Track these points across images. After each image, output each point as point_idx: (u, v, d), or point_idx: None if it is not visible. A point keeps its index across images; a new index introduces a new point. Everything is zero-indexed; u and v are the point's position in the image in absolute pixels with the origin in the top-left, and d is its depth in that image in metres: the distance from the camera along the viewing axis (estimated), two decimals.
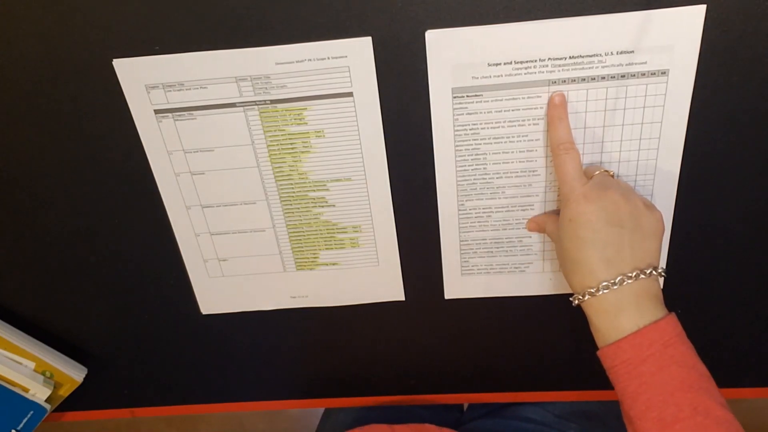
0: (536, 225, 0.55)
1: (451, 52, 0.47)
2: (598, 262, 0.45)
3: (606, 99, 0.48)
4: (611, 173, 0.50)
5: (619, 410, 0.75)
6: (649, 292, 0.45)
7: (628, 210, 0.45)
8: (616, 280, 0.45)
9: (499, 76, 0.48)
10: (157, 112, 0.50)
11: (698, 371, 0.44)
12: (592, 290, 0.45)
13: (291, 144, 0.52)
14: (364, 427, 0.56)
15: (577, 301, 0.47)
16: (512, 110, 0.49)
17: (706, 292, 0.58)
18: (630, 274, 0.45)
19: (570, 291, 0.56)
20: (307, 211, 0.55)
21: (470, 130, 0.50)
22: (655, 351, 0.43)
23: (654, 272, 0.45)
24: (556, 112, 0.48)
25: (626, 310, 0.45)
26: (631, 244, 0.45)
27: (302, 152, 0.52)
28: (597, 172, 0.48)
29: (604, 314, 0.45)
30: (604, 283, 0.45)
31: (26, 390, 0.61)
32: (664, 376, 0.43)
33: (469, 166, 0.52)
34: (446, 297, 0.60)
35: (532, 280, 0.58)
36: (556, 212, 0.53)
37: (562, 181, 0.48)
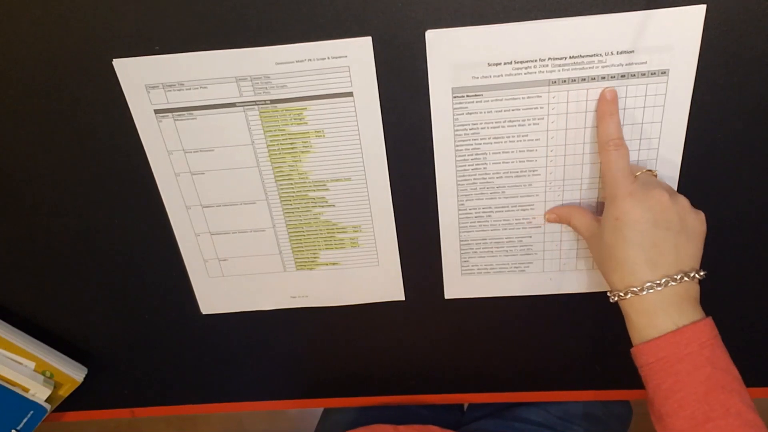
0: (557, 217, 0.54)
1: (451, 52, 0.47)
2: (642, 262, 0.45)
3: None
4: (654, 173, 0.49)
5: (619, 411, 0.76)
6: (690, 294, 0.46)
7: (674, 211, 0.45)
8: (661, 282, 0.45)
9: (499, 76, 0.48)
10: (157, 112, 0.50)
11: (732, 374, 0.45)
12: (635, 289, 0.45)
13: (291, 144, 0.52)
14: (368, 427, 0.56)
15: (616, 298, 0.47)
16: (512, 110, 0.49)
17: (706, 291, 0.58)
18: (675, 277, 0.45)
19: (566, 291, 0.56)
20: (307, 211, 0.55)
21: (470, 130, 0.50)
22: (693, 351, 0.44)
23: (696, 275, 0.46)
24: (608, 107, 0.47)
25: (667, 310, 0.45)
26: (676, 246, 0.45)
27: (302, 152, 0.52)
28: (639, 172, 0.48)
29: (644, 313, 0.46)
30: (648, 284, 0.45)
31: (26, 390, 0.61)
32: (700, 375, 0.43)
33: (469, 166, 0.52)
34: (446, 297, 0.60)
35: (532, 280, 0.58)
36: (582, 206, 0.53)
37: (610, 177, 0.47)
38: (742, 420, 0.42)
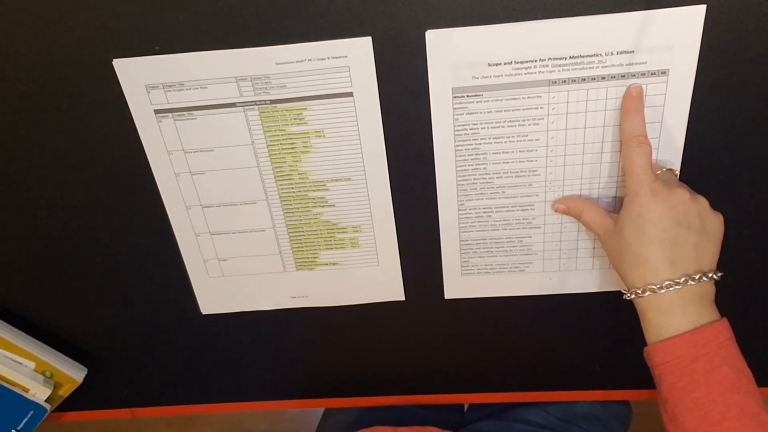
0: (566, 208, 0.53)
1: (451, 52, 0.47)
2: (663, 260, 0.45)
3: (606, 99, 0.48)
4: (675, 172, 0.49)
5: (619, 411, 0.76)
6: (708, 295, 0.46)
7: (695, 211, 0.46)
8: (680, 281, 0.45)
9: (499, 76, 0.48)
10: (157, 112, 0.50)
11: (746, 375, 0.45)
12: (654, 287, 0.45)
13: (291, 144, 0.52)
14: (368, 429, 0.56)
15: (633, 296, 0.47)
16: (512, 110, 0.49)
17: None
18: (695, 276, 0.45)
19: (566, 291, 0.56)
20: (307, 211, 0.55)
21: (470, 130, 0.50)
22: (710, 351, 0.44)
23: (714, 276, 0.46)
24: (633, 104, 0.47)
25: (686, 309, 0.45)
26: (696, 246, 0.45)
27: (302, 152, 0.52)
28: (659, 171, 0.48)
29: (662, 311, 0.46)
30: (667, 282, 0.45)
31: (26, 390, 0.61)
32: (716, 376, 0.44)
33: (469, 166, 0.52)
34: (446, 297, 0.60)
35: (532, 280, 0.58)
36: (593, 201, 0.53)
37: (632, 174, 0.47)
38: (757, 422, 0.42)
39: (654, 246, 0.45)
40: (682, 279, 0.45)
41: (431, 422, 0.63)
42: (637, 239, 0.46)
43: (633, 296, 0.47)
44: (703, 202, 0.47)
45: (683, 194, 0.45)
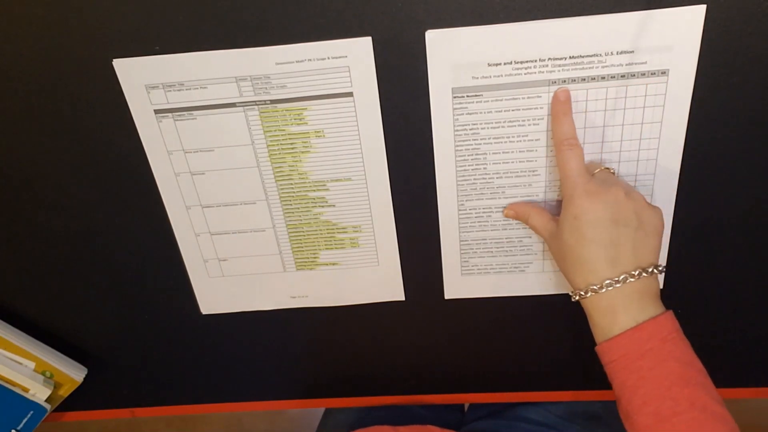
0: (515, 213, 0.54)
1: (451, 52, 0.47)
2: (602, 260, 0.45)
3: (606, 99, 0.48)
4: (612, 171, 0.50)
5: None
6: (650, 290, 0.46)
7: (631, 208, 0.46)
8: (620, 279, 0.45)
9: (499, 76, 0.48)
10: (157, 112, 0.50)
11: (695, 367, 0.45)
12: (595, 287, 0.46)
13: (291, 144, 0.52)
14: (367, 429, 0.56)
15: (577, 297, 0.47)
16: (512, 110, 0.49)
17: (706, 291, 0.58)
18: (633, 273, 0.45)
19: (566, 291, 0.56)
20: (307, 211, 0.55)
21: (470, 130, 0.50)
22: (654, 346, 0.44)
23: (655, 270, 0.46)
24: (561, 107, 0.48)
25: (627, 307, 0.45)
26: (634, 243, 0.46)
27: (302, 152, 0.52)
28: (597, 170, 0.49)
29: (605, 311, 0.46)
30: (608, 281, 0.45)
31: (26, 390, 0.61)
32: (663, 370, 0.44)
33: (469, 166, 0.52)
34: (446, 297, 0.60)
35: (532, 280, 0.58)
36: (540, 205, 0.53)
37: (566, 177, 0.48)
38: (708, 413, 0.42)
39: (593, 246, 0.46)
40: (622, 277, 0.45)
41: (431, 422, 0.63)
42: (577, 241, 0.46)
43: (577, 297, 0.47)
44: (638, 198, 0.47)
45: (617, 193, 0.46)
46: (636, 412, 0.44)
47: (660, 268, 0.46)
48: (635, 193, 0.47)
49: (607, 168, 0.49)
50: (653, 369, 0.44)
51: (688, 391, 0.43)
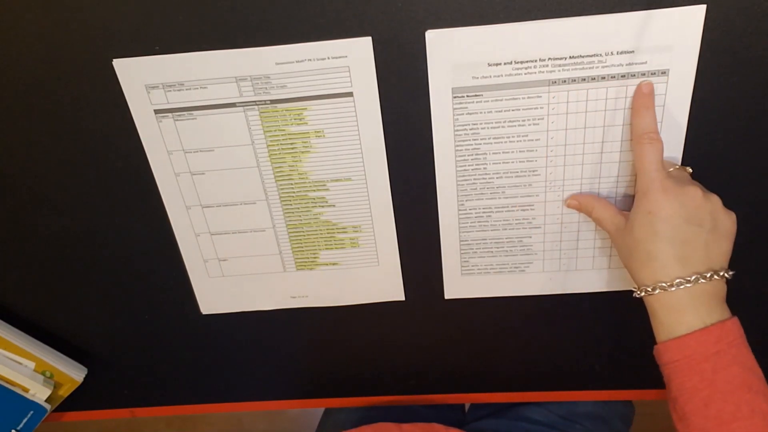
0: (578, 204, 0.53)
1: (451, 52, 0.47)
2: (673, 258, 0.45)
3: (606, 99, 0.48)
4: (688, 170, 0.49)
5: (622, 411, 0.76)
6: (718, 293, 0.46)
7: (708, 209, 0.45)
8: (691, 279, 0.45)
9: (499, 76, 0.48)
10: (157, 112, 0.50)
11: (757, 374, 0.45)
12: (664, 285, 0.45)
13: (291, 144, 0.52)
14: (371, 426, 0.56)
15: (643, 293, 0.47)
16: (512, 110, 0.49)
17: None
18: (705, 274, 0.45)
19: (566, 291, 0.56)
20: (307, 211, 0.55)
21: (470, 130, 0.50)
22: (720, 350, 0.44)
23: (726, 274, 0.46)
24: (644, 101, 0.47)
25: (696, 307, 0.45)
26: (707, 244, 0.45)
27: (302, 152, 0.52)
28: (672, 168, 0.48)
29: (672, 309, 0.45)
30: (678, 280, 0.45)
31: (26, 390, 0.61)
32: (726, 375, 0.43)
33: (469, 166, 0.52)
34: (446, 297, 0.60)
35: (532, 280, 0.58)
36: (605, 199, 0.52)
37: (643, 171, 0.46)
38: None
39: (664, 244, 0.45)
40: (693, 277, 0.44)
41: (433, 420, 0.63)
42: (648, 237, 0.46)
43: (643, 294, 0.47)
44: (715, 200, 0.46)
45: (695, 192, 0.45)
46: (695, 414, 0.44)
47: (730, 273, 0.46)
48: (712, 196, 0.47)
49: (684, 167, 0.49)
50: (718, 372, 0.43)
51: (750, 397, 0.43)
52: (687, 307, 0.45)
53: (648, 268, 0.46)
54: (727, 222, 0.47)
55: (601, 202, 0.51)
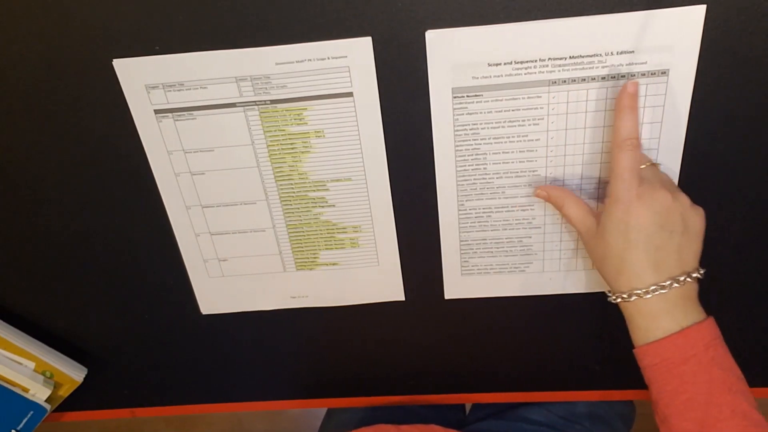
0: (548, 195, 0.51)
1: (451, 52, 0.47)
2: (647, 265, 0.45)
3: (606, 99, 0.48)
4: (658, 165, 0.49)
5: (623, 410, 0.76)
6: (691, 294, 0.46)
7: (678, 211, 0.45)
8: (666, 284, 0.45)
9: (499, 76, 0.48)
10: (157, 112, 0.50)
11: (735, 374, 0.45)
12: (639, 292, 0.45)
13: (291, 144, 0.52)
14: (370, 427, 0.56)
15: (619, 300, 0.47)
16: (512, 110, 0.49)
17: (706, 291, 0.58)
18: (679, 278, 0.45)
19: (566, 291, 0.56)
20: (307, 211, 0.55)
21: (470, 130, 0.50)
22: (698, 352, 0.44)
23: (698, 275, 0.46)
24: (629, 101, 0.45)
25: (671, 311, 0.45)
26: (680, 248, 0.45)
27: (302, 152, 0.52)
28: (644, 165, 0.47)
29: (648, 315, 0.45)
30: (653, 287, 0.45)
31: (26, 390, 0.61)
32: (705, 376, 0.43)
33: (469, 166, 0.52)
34: (446, 297, 0.60)
35: (532, 280, 0.58)
36: (578, 195, 0.52)
37: (619, 177, 0.45)
38: (749, 421, 0.42)
39: (639, 251, 0.45)
40: (668, 282, 0.45)
41: (433, 421, 0.63)
42: (622, 244, 0.46)
43: (618, 300, 0.47)
44: (683, 200, 0.46)
45: (665, 197, 0.45)
46: (676, 417, 0.44)
47: (701, 272, 0.46)
48: (680, 195, 0.46)
49: (654, 163, 0.49)
50: (696, 375, 0.44)
51: (730, 398, 0.43)
52: (662, 312, 0.45)
53: (623, 275, 0.46)
54: (696, 221, 0.47)
55: (573, 198, 0.50)
